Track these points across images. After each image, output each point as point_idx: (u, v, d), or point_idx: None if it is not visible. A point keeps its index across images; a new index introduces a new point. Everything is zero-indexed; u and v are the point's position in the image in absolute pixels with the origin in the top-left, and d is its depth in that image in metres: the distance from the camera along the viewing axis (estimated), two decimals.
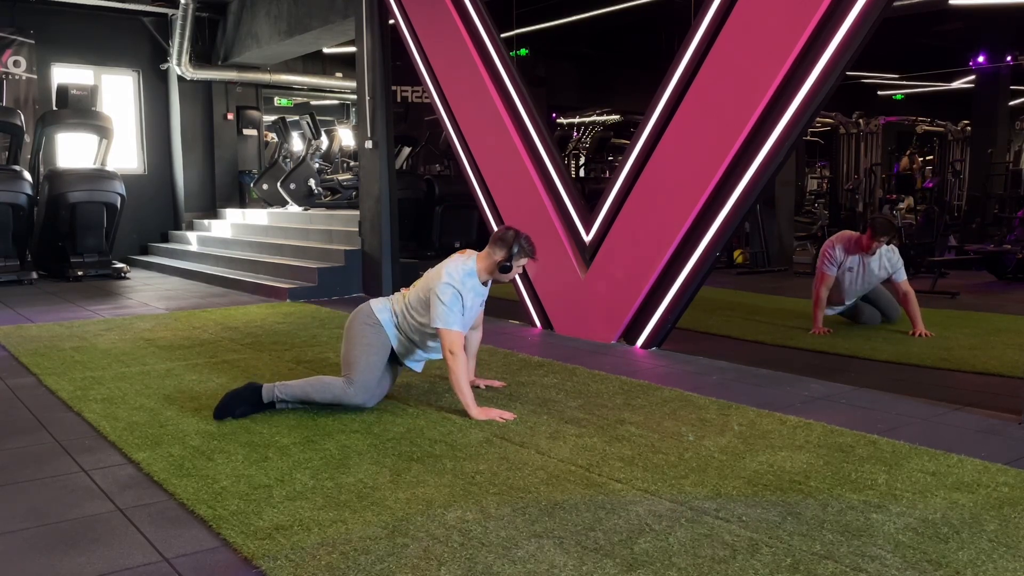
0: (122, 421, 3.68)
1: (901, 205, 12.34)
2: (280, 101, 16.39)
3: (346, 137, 13.07)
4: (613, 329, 5.47)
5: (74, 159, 10.56)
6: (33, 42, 10.90)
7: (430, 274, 3.79)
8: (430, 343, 3.81)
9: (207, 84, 11.99)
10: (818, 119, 13.43)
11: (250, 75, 12.03)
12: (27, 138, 10.12)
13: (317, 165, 11.83)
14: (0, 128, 9.55)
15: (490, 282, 3.91)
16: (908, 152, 15.95)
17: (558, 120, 17.73)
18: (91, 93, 10.09)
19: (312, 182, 11.39)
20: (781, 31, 4.40)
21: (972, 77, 15.39)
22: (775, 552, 2.29)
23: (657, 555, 2.28)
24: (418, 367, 4.01)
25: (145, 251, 11.96)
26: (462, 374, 3.64)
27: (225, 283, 8.98)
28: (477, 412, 3.64)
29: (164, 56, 11.78)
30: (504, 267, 3.79)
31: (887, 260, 5.67)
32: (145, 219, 11.95)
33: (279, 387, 3.75)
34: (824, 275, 5.73)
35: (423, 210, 11.13)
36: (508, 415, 3.65)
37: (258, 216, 11.12)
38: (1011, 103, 15.32)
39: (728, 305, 7.17)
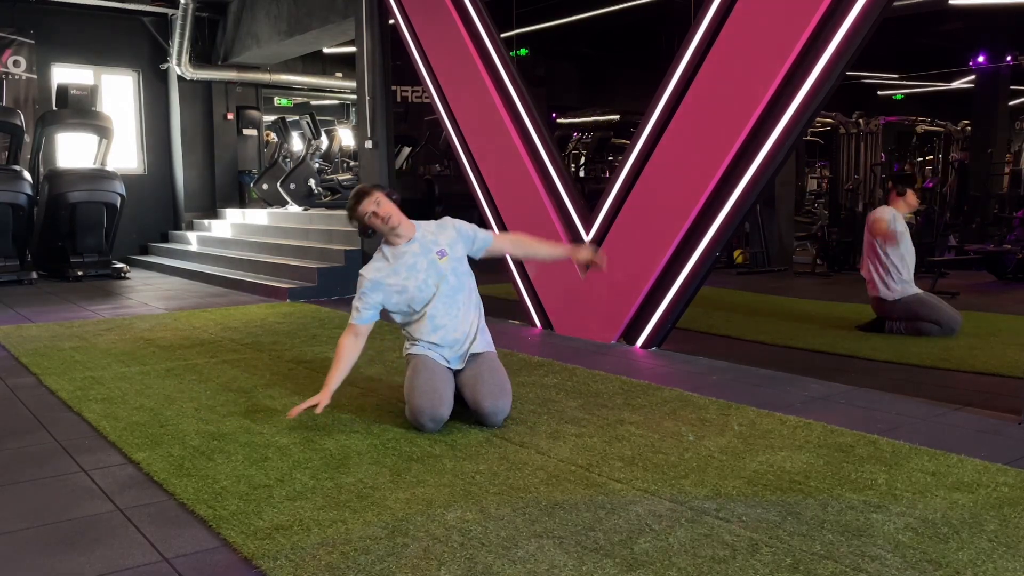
0: (122, 421, 3.68)
1: None
2: (280, 101, 16.40)
3: (346, 137, 13.09)
4: (613, 329, 5.47)
5: (74, 159, 10.56)
6: (33, 42, 10.90)
7: None
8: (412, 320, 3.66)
9: (207, 84, 11.99)
10: (818, 119, 13.42)
11: (250, 75, 12.03)
12: (27, 138, 10.12)
13: (317, 165, 11.84)
14: (0, 128, 9.55)
15: (424, 235, 3.62)
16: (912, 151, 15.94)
17: (558, 120, 17.72)
18: (91, 93, 10.09)
19: (312, 182, 11.40)
20: (781, 31, 4.40)
21: (972, 77, 15.39)
22: (775, 552, 2.29)
23: (657, 555, 2.28)
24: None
25: (145, 251, 11.96)
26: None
27: (225, 283, 8.98)
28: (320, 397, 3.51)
29: (164, 56, 11.78)
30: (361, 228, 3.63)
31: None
32: (145, 219, 11.95)
33: None
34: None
35: (423, 210, 11.13)
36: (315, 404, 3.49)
37: (258, 216, 11.12)
38: (1011, 103, 15.32)
39: (728, 305, 7.17)
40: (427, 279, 3.55)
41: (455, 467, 3.02)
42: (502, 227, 6.33)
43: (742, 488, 2.78)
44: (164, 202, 12.24)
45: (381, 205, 3.51)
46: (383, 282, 3.55)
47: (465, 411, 3.65)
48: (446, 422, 3.49)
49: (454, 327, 3.58)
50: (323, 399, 3.50)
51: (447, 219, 3.78)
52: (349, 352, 3.58)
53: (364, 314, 3.58)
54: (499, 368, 3.62)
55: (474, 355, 3.65)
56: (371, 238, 3.66)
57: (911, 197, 5.83)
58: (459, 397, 3.65)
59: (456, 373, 3.63)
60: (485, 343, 3.71)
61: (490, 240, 3.81)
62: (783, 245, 10.48)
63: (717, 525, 2.47)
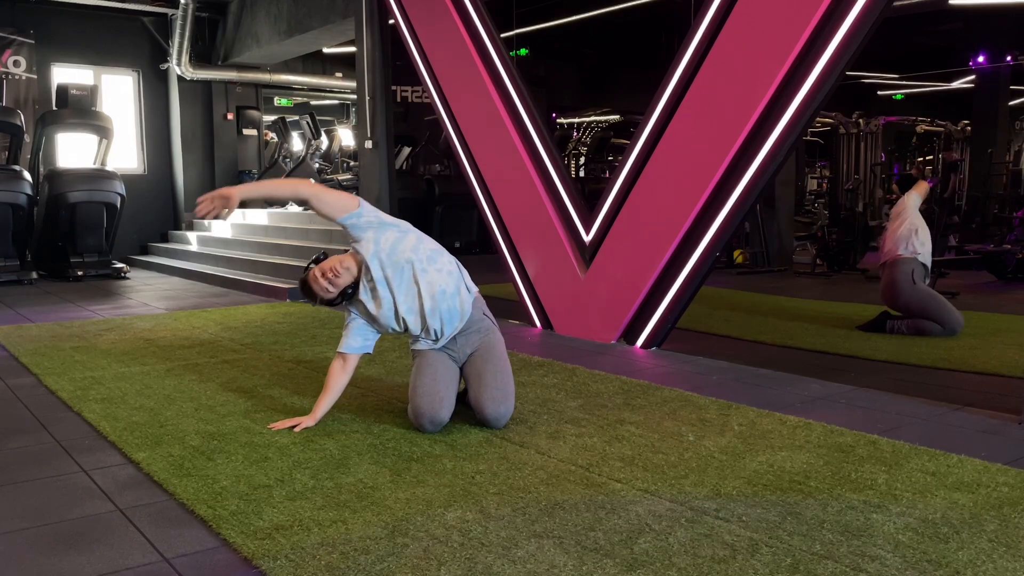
0: (122, 421, 3.68)
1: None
2: (280, 101, 16.40)
3: (346, 137, 13.08)
4: (613, 329, 5.47)
5: (74, 159, 10.56)
6: (33, 42, 10.91)
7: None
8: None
9: (207, 84, 11.99)
10: (818, 119, 13.42)
11: (250, 75, 12.04)
12: (27, 138, 10.13)
13: (317, 165, 11.84)
14: (0, 128, 9.55)
15: (355, 283, 3.51)
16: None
17: (558, 120, 17.72)
18: (91, 93, 10.10)
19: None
20: (781, 31, 4.40)
21: (972, 77, 15.39)
22: (775, 552, 2.29)
23: (657, 555, 2.28)
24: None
25: (145, 251, 11.96)
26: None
27: (225, 283, 8.98)
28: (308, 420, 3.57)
29: (164, 56, 11.79)
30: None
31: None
32: (145, 219, 11.95)
33: None
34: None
35: (423, 210, 11.13)
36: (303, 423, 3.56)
37: (258, 216, 11.12)
38: (1011, 103, 15.32)
39: (728, 305, 7.17)
40: (379, 292, 3.45)
41: (455, 467, 3.02)
42: (503, 228, 6.33)
43: (742, 488, 2.77)
44: (164, 202, 12.24)
45: (324, 271, 3.42)
46: (363, 315, 3.53)
47: (466, 411, 3.65)
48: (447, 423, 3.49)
49: (426, 297, 3.44)
50: (308, 421, 3.55)
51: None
52: (337, 380, 3.56)
53: (351, 341, 3.54)
54: (504, 368, 3.57)
55: (479, 342, 3.57)
56: (355, 295, 3.52)
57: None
58: (461, 395, 3.66)
59: (463, 366, 3.59)
60: (470, 300, 3.59)
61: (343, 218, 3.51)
62: (783, 245, 10.48)
63: (717, 525, 2.47)
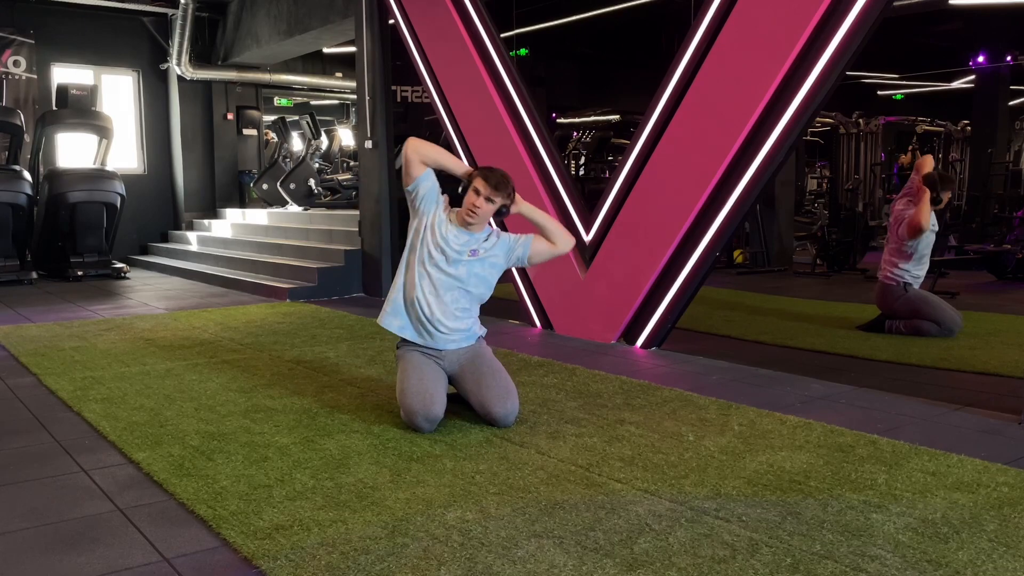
0: (122, 421, 3.68)
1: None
2: (280, 101, 16.38)
3: (346, 137, 13.08)
4: (613, 329, 5.47)
5: (74, 159, 10.56)
6: (33, 42, 10.90)
7: None
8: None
9: (207, 84, 11.98)
10: (818, 119, 13.43)
11: (250, 75, 12.03)
12: (27, 138, 10.12)
13: (317, 165, 11.83)
14: (0, 128, 9.55)
15: (480, 235, 3.60)
16: (910, 148, 15.89)
17: (558, 120, 17.71)
18: (91, 93, 10.09)
19: (312, 182, 11.40)
20: (781, 31, 4.40)
21: (972, 77, 15.39)
22: (775, 552, 2.29)
23: (657, 555, 2.28)
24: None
25: (145, 251, 11.96)
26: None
27: (225, 283, 8.98)
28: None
29: (164, 56, 11.78)
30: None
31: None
32: (145, 219, 11.94)
33: None
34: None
35: None
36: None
37: (258, 216, 11.12)
38: (1011, 103, 15.31)
39: (728, 305, 7.17)
40: (449, 255, 3.53)
41: (455, 467, 3.02)
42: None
43: (742, 488, 2.78)
44: (164, 202, 12.23)
45: (491, 203, 3.50)
46: (438, 211, 3.56)
47: (465, 411, 3.65)
48: (444, 420, 3.50)
49: (435, 307, 3.53)
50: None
51: (508, 234, 3.72)
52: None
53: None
54: (499, 368, 3.63)
55: (468, 352, 3.64)
56: (448, 192, 3.62)
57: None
58: (459, 397, 3.66)
59: (455, 376, 3.63)
60: (467, 339, 3.65)
61: (530, 240, 3.68)
62: (783, 245, 10.48)
63: (717, 525, 2.47)
